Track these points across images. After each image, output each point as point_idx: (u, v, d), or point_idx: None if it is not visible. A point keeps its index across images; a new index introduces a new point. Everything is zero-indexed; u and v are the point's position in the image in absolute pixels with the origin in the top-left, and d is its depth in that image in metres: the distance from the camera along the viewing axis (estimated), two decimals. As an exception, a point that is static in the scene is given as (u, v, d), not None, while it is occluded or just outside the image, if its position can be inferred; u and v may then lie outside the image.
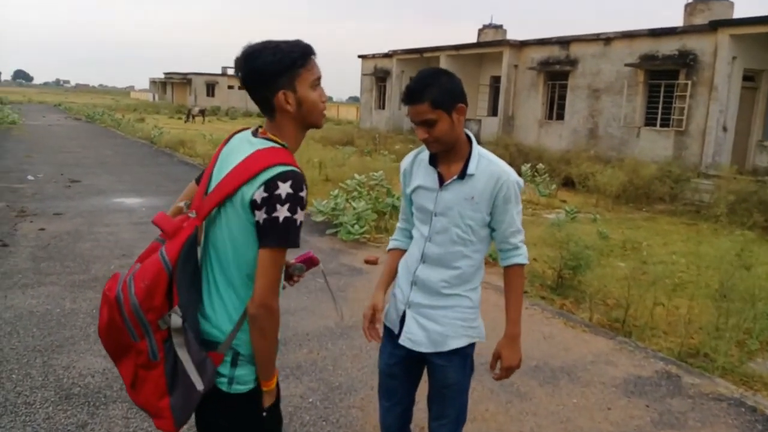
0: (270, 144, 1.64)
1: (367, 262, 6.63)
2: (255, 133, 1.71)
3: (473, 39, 26.41)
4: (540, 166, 13.26)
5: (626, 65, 17.21)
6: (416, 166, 2.24)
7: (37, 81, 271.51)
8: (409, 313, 2.22)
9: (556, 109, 20.24)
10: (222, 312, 1.65)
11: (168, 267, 1.58)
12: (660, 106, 16.64)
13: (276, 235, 1.55)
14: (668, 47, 16.19)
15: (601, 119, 18.13)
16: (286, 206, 1.53)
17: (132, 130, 24.65)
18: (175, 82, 62.12)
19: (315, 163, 14.08)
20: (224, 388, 1.65)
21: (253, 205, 1.54)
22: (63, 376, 3.69)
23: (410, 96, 2.01)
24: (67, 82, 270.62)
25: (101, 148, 17.79)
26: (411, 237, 2.33)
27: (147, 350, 1.62)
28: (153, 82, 77.50)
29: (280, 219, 1.53)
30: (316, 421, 3.39)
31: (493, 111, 23.42)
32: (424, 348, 2.19)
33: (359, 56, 31.68)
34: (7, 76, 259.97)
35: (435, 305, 2.19)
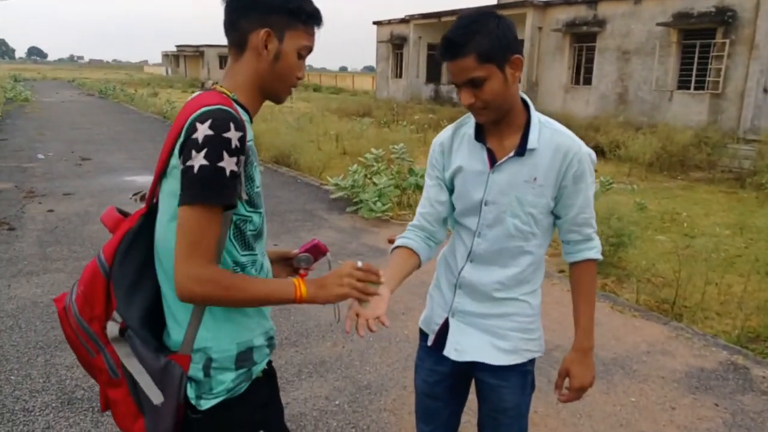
0: (205, 91, 1.33)
1: (390, 241, 6.19)
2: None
3: (494, 1, 25.47)
4: (568, 133, 12.66)
5: (658, 25, 16.33)
6: (457, 141, 1.78)
7: (51, 57, 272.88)
8: (453, 322, 1.80)
9: (582, 73, 19.43)
10: (168, 313, 1.35)
11: (104, 267, 1.31)
12: (694, 67, 15.78)
13: (189, 187, 1.19)
14: (704, 4, 15.26)
15: (631, 83, 17.33)
16: (203, 152, 1.18)
17: (145, 105, 24.35)
18: (187, 55, 61.50)
19: (331, 135, 13.63)
20: (194, 401, 1.33)
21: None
22: (65, 377, 3.36)
23: (451, 48, 1.57)
24: (81, 58, 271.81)
25: (113, 124, 17.49)
26: (431, 242, 1.85)
27: (105, 367, 1.36)
28: (166, 55, 76.95)
29: (195, 168, 1.18)
30: (344, 427, 3.03)
31: (516, 77, 22.65)
32: (476, 356, 1.76)
33: (374, 23, 30.85)
34: (21, 53, 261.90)
35: (487, 313, 1.77)
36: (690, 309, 4.82)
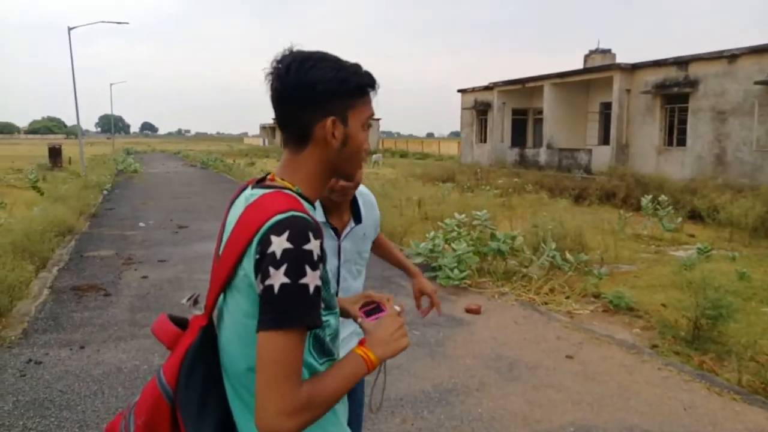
0: (268, 191, 1.21)
1: (468, 311, 6.07)
2: (260, 182, 1.30)
3: (579, 66, 25.35)
4: (662, 197, 12.07)
5: (756, 83, 15.59)
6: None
7: (161, 131, 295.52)
8: None
9: (676, 134, 18.74)
10: None
11: (167, 392, 1.19)
12: (799, 126, 14.85)
13: (271, 310, 1.08)
14: (805, 61, 14.48)
15: (729, 144, 16.49)
16: (283, 268, 1.08)
17: (242, 174, 25.65)
18: (283, 126, 64.74)
19: (414, 200, 13.73)
20: None
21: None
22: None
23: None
24: (188, 131, 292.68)
25: (211, 193, 18.52)
26: None
27: None
28: (263, 127, 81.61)
29: (275, 288, 1.08)
30: None
31: (604, 139, 22.18)
32: None
33: (458, 90, 31.45)
34: (135, 128, 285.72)
35: None
36: (802, 393, 4.33)
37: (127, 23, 28.79)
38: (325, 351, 1.25)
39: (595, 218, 12.11)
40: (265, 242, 1.10)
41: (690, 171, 17.45)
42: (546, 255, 7.28)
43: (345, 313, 1.54)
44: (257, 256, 1.11)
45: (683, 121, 18.24)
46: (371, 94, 1.29)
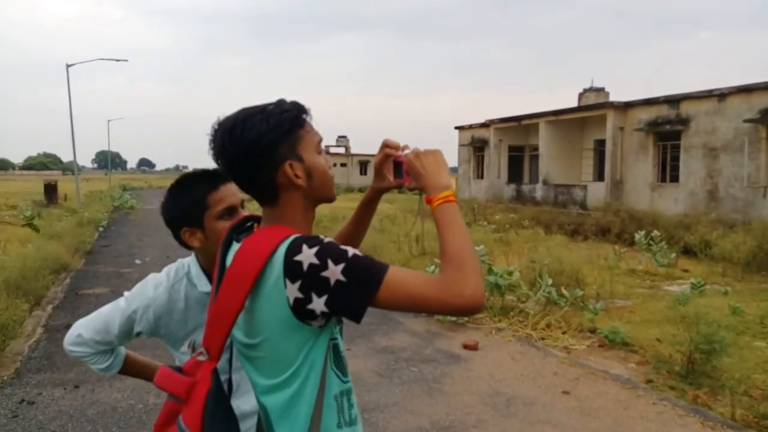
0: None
1: (465, 347, 6.06)
2: (242, 233, 1.33)
3: (573, 104, 25.76)
4: (655, 233, 12.16)
5: (745, 121, 15.89)
6: (187, 300, 1.70)
7: (159, 167, 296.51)
8: None
9: (669, 170, 18.98)
10: None
11: None
12: (788, 162, 15.08)
13: (359, 287, 1.14)
14: (793, 99, 14.79)
15: (721, 180, 16.70)
16: (330, 263, 1.14)
17: (238, 210, 25.74)
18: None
19: (412, 236, 13.78)
20: None
21: (301, 313, 1.16)
22: (134, 486, 3.41)
23: (218, 174, 1.67)
24: (186, 167, 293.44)
25: (208, 229, 18.54)
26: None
27: None
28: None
29: (342, 277, 1.14)
30: None
31: (599, 176, 22.41)
32: None
33: (456, 127, 31.83)
34: (132, 164, 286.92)
35: None
36: (797, 429, 4.32)
37: (126, 60, 29.16)
38: (344, 369, 1.30)
39: (591, 253, 12.16)
40: (295, 269, 1.15)
41: (683, 207, 17.61)
42: (543, 290, 7.30)
43: (380, 191, 1.55)
44: (298, 284, 1.15)
45: (676, 158, 18.49)
46: (307, 119, 1.30)
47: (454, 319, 6.99)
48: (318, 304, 1.15)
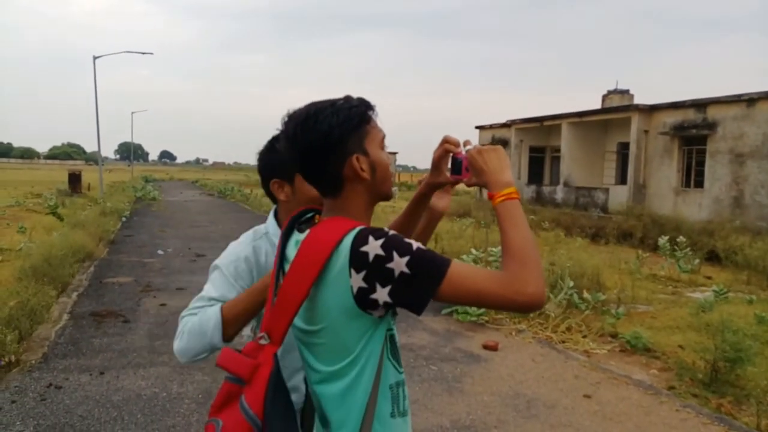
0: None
1: (485, 347, 6.05)
2: (303, 224, 1.39)
3: (597, 106, 25.50)
4: (680, 238, 12.01)
5: (774, 127, 15.61)
6: (262, 257, 1.74)
7: (179, 160, 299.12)
8: None
9: (693, 176, 18.71)
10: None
11: (256, 424, 1.22)
12: (818, 170, 14.79)
13: (422, 280, 1.17)
14: (824, 105, 14.49)
15: (747, 186, 16.42)
16: (395, 254, 1.18)
17: (258, 204, 25.87)
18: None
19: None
20: None
21: (364, 302, 1.20)
22: (158, 472, 3.46)
23: None
24: (206, 160, 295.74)
25: (228, 222, 18.72)
26: None
27: None
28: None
29: (407, 269, 1.17)
30: None
31: (622, 179, 22.16)
32: None
33: (476, 127, 31.64)
34: (154, 156, 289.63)
35: None
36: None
37: (152, 54, 29.49)
38: (399, 360, 1.34)
39: (612, 257, 12.05)
40: (361, 259, 1.19)
41: (707, 213, 17.36)
42: (564, 293, 7.25)
43: (434, 186, 1.55)
44: (363, 274, 1.18)
45: (701, 163, 18.22)
46: (373, 115, 1.35)
47: (474, 318, 6.98)
48: (381, 294, 1.19)
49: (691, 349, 5.92)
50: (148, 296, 7.88)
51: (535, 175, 27.68)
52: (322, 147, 1.28)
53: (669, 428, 4.24)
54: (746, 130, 16.62)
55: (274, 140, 1.75)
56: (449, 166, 1.48)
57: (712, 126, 17.66)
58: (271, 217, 1.80)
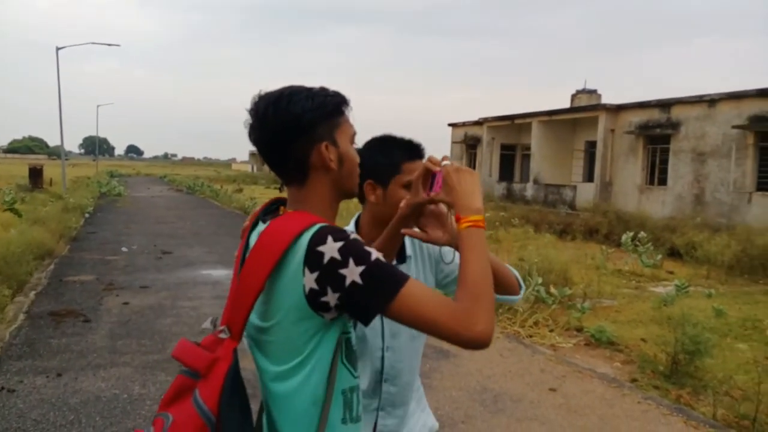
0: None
1: (453, 344, 6.06)
2: (269, 215, 1.32)
3: (566, 105, 25.85)
4: (642, 234, 12.24)
5: (734, 127, 16.05)
6: None
7: (147, 155, 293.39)
8: None
9: (657, 174, 19.13)
10: None
11: (210, 420, 1.16)
12: (774, 169, 15.29)
13: (374, 293, 1.12)
14: (780, 107, 14.98)
15: (708, 184, 16.86)
16: (351, 262, 1.12)
17: (228, 201, 25.59)
18: (271, 154, 64.97)
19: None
20: None
21: (314, 303, 1.15)
22: (117, 475, 3.37)
23: (419, 149, 1.70)
24: (175, 155, 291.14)
25: (197, 219, 18.43)
26: None
27: None
28: (252, 154, 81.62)
29: (359, 279, 1.12)
30: None
31: (589, 176, 22.52)
32: None
33: (449, 124, 31.82)
34: (120, 150, 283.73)
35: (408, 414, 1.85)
36: (774, 427, 4.36)
37: (118, 45, 28.90)
38: (354, 364, 1.29)
39: (579, 253, 12.22)
40: (316, 259, 1.13)
41: (670, 210, 17.75)
42: (531, 288, 7.32)
43: (414, 206, 1.46)
44: (316, 275, 1.13)
45: (665, 161, 18.62)
46: (347, 110, 1.32)
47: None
48: (332, 298, 1.14)
49: (653, 342, 6.05)
50: (110, 295, 7.70)
51: (506, 173, 27.95)
52: (292, 129, 1.23)
53: (631, 420, 4.30)
54: (707, 130, 17.04)
55: (373, 142, 1.72)
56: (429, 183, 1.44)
57: (675, 126, 18.05)
58: (352, 221, 1.80)
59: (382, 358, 1.72)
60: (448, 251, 1.77)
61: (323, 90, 1.28)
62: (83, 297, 7.51)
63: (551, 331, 6.63)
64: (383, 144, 1.70)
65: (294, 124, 1.23)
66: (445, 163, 1.36)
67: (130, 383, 4.71)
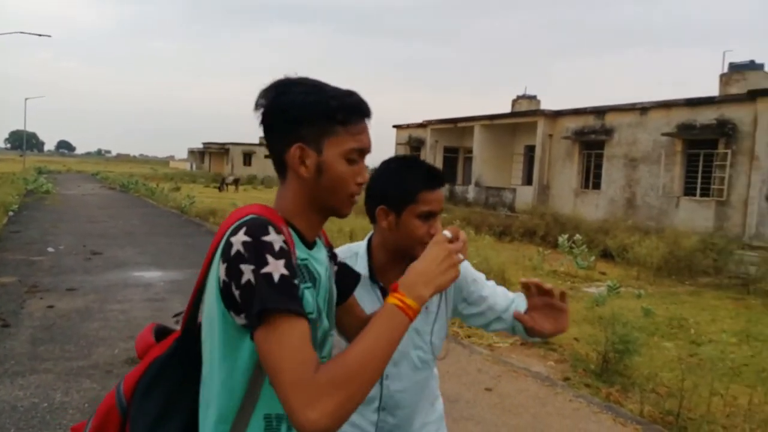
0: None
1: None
2: None
3: (507, 109, 26.40)
4: (577, 236, 12.63)
5: (663, 135, 16.81)
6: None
7: (79, 151, 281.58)
8: None
9: (592, 178, 19.80)
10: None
11: (121, 403, 1.13)
12: (699, 175, 16.16)
13: (251, 304, 0.98)
14: (706, 117, 15.82)
15: (639, 189, 17.57)
16: (250, 261, 1.00)
17: (164, 200, 24.86)
18: (212, 152, 63.75)
19: (346, 232, 13.72)
20: None
21: (226, 298, 1.04)
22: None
23: (439, 177, 1.63)
24: (109, 152, 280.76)
25: (130, 218, 17.80)
26: None
27: None
28: (191, 151, 79.80)
29: (252, 280, 0.99)
30: None
31: (528, 180, 23.07)
32: None
33: (394, 126, 31.95)
34: (50, 146, 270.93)
35: None
36: (695, 421, 4.52)
37: (49, 36, 27.74)
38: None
39: (517, 254, 12.48)
40: (226, 249, 1.04)
41: (603, 212, 18.38)
42: (468, 290, 7.40)
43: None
44: (224, 264, 1.04)
45: (599, 166, 19.28)
46: (364, 122, 1.18)
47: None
48: (236, 293, 1.02)
49: (585, 341, 6.22)
50: (33, 297, 7.30)
51: (448, 175, 28.27)
52: (271, 120, 1.15)
53: (562, 418, 4.39)
54: (639, 137, 17.75)
55: (392, 163, 1.65)
56: None
57: (609, 132, 18.71)
58: (365, 240, 1.72)
59: (381, 384, 1.64)
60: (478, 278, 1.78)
61: (337, 91, 1.15)
62: (3, 300, 7.09)
63: (488, 331, 6.73)
64: (401, 168, 1.61)
65: (279, 116, 1.14)
66: (445, 232, 1.20)
67: (52, 391, 4.46)
